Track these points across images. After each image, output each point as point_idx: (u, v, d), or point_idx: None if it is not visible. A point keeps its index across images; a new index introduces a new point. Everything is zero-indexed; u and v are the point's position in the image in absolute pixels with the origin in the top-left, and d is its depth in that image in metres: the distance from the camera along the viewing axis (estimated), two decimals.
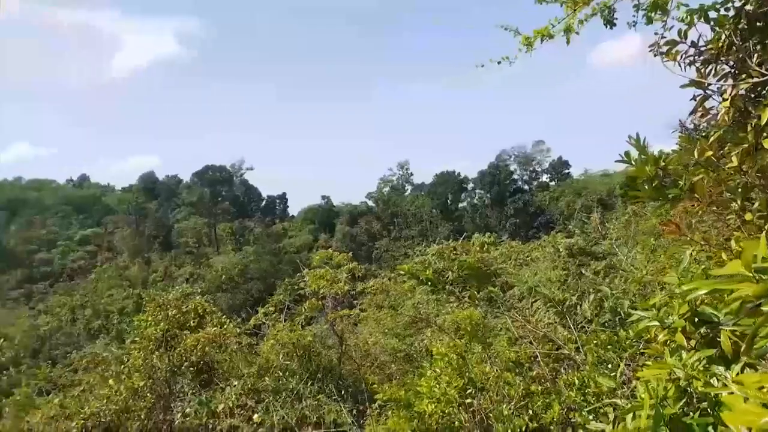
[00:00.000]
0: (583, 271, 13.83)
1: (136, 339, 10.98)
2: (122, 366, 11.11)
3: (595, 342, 5.91)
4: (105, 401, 10.23)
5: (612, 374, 4.67)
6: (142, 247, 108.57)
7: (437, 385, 5.69)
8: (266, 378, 10.54)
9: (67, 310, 79.90)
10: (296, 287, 15.80)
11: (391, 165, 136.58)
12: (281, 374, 10.83)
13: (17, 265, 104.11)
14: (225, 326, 10.92)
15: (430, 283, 8.34)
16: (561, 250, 14.90)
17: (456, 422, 5.75)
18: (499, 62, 5.33)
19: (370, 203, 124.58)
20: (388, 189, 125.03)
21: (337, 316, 12.16)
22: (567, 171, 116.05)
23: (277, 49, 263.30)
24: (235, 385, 9.88)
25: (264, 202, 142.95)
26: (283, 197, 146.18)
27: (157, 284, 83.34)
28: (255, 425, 8.87)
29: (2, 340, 17.96)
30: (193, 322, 11.03)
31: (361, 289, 13.83)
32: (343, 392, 11.09)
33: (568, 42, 5.37)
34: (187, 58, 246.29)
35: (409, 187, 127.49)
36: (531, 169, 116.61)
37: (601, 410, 4.88)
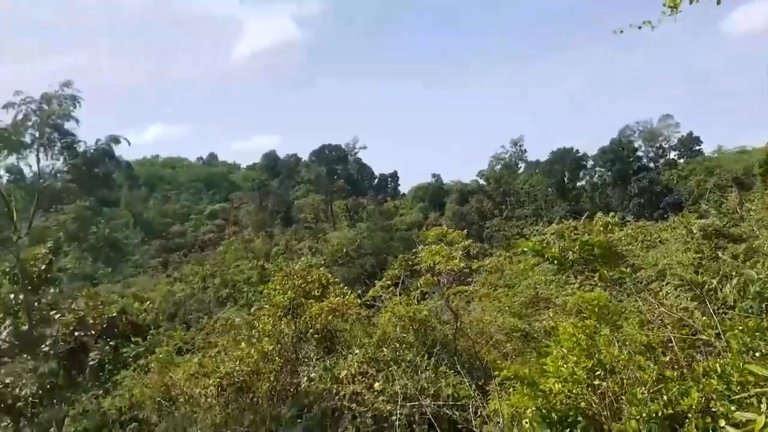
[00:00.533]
0: (720, 255, 12.78)
1: (265, 306, 11.70)
2: (253, 330, 11.91)
3: (740, 328, 5.48)
4: (238, 362, 11.03)
5: (763, 363, 4.32)
6: (265, 222, 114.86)
7: (564, 365, 5.56)
8: (384, 349, 10.84)
9: (198, 278, 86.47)
10: (410, 263, 16.01)
11: (503, 142, 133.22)
12: (398, 346, 11.08)
13: (156, 236, 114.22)
14: (347, 297, 11.34)
15: (555, 261, 8.09)
16: (695, 231, 13.80)
17: (582, 403, 5.60)
18: (639, 27, 5.02)
19: (481, 181, 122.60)
20: (500, 167, 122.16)
21: (454, 293, 12.19)
22: (698, 148, 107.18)
23: (388, 30, 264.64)
24: (356, 354, 10.25)
25: (376, 180, 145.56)
26: (394, 175, 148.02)
27: (279, 257, 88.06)
28: (376, 393, 9.17)
29: (147, 303, 19.81)
30: (317, 291, 11.56)
31: (476, 266, 13.72)
32: (458, 367, 11.15)
33: (718, 2, 4.97)
34: (305, 41, 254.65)
35: (522, 165, 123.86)
36: (657, 145, 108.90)
37: (747, 400, 4.54)
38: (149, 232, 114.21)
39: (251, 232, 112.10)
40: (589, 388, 5.49)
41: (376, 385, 9.26)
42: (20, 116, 9.07)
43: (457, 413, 9.01)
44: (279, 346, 10.95)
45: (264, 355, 10.94)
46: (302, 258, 12.54)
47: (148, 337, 15.23)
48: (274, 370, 10.74)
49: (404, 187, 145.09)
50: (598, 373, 5.54)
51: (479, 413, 7.44)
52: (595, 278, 8.79)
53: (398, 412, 8.46)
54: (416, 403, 9.02)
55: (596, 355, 5.61)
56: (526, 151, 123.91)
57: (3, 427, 14.96)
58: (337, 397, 9.55)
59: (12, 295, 12.54)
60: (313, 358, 10.94)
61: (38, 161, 9.51)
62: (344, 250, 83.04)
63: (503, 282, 16.53)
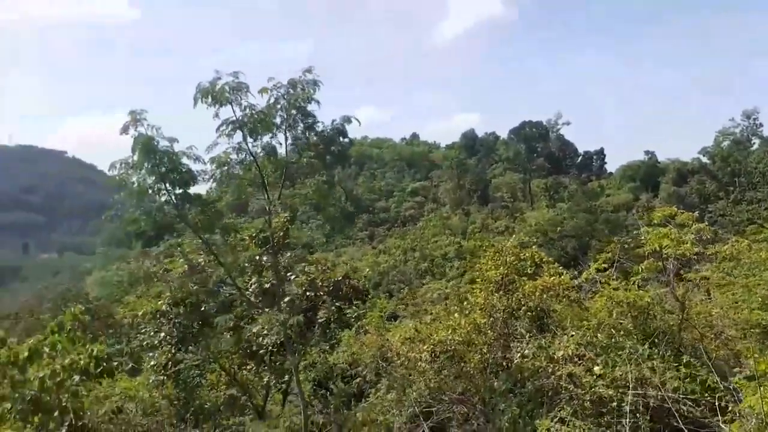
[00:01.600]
0: None
1: (477, 279, 11.95)
2: (464, 303, 12.28)
3: None
4: (450, 332, 11.49)
5: None
6: (462, 200, 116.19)
7: None
8: (599, 334, 10.43)
9: (400, 251, 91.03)
10: (626, 245, 15.03)
11: (732, 116, 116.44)
12: (614, 332, 10.58)
13: (363, 210, 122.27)
14: (562, 277, 11.10)
15: None
16: None
17: None
18: None
19: (704, 159, 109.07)
20: (729, 143, 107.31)
21: (683, 280, 11.23)
22: None
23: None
24: (572, 335, 10.02)
25: (580, 158, 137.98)
26: (600, 153, 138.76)
27: (475, 235, 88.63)
28: (595, 377, 8.90)
29: (367, 270, 21.41)
30: (530, 269, 11.48)
31: (711, 252, 12.40)
32: (684, 360, 10.31)
33: None
34: (509, 18, 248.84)
35: (756, 141, 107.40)
36: None
37: None
38: (358, 206, 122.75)
39: (449, 210, 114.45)
40: None
41: (596, 368, 8.97)
42: (272, 100, 10.41)
43: (685, 407, 8.39)
44: (491, 319, 11.13)
45: (476, 327, 11.22)
46: (513, 236, 12.50)
47: (367, 302, 16.55)
48: (486, 342, 10.97)
49: (611, 166, 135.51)
50: None
51: (729, 409, 6.83)
52: None
53: (623, 399, 8.13)
54: (639, 392, 8.57)
55: None
56: (761, 125, 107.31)
57: (248, 370, 17.54)
58: (553, 376, 9.46)
59: (257, 257, 14.32)
60: (526, 335, 10.93)
61: (286, 140, 10.85)
62: (542, 230, 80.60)
63: (739, 272, 14.72)
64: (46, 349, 12.42)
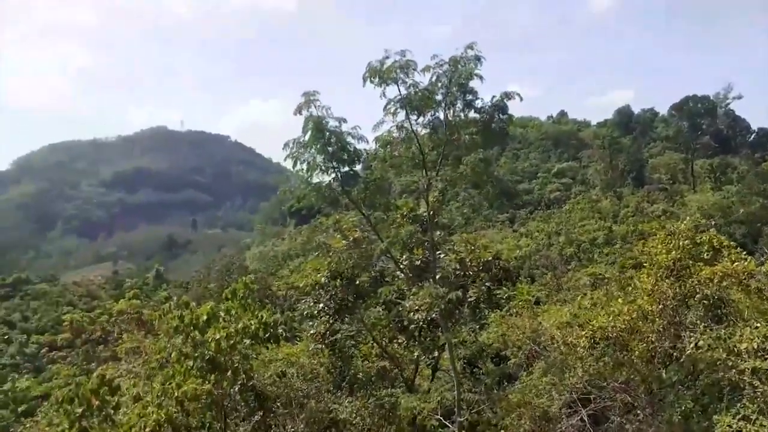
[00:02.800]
0: None
1: (645, 264, 11.22)
2: (628, 288, 11.60)
3: None
4: (612, 318, 10.92)
5: None
6: (614, 182, 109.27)
7: None
8: None
9: (543, 235, 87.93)
10: None
11: None
12: None
13: (505, 192, 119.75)
14: (746, 263, 10.04)
15: None
16: None
17: None
18: None
19: None
20: None
21: None
22: None
23: None
24: (756, 327, 9.08)
25: (752, 136, 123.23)
26: None
27: (628, 219, 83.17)
28: None
29: (517, 251, 21.06)
30: (707, 254, 10.54)
31: None
32: None
33: None
34: None
35: None
36: None
37: None
38: (500, 188, 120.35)
39: (599, 192, 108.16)
40: None
41: None
42: (434, 78, 10.49)
43: None
44: (660, 307, 10.41)
45: (642, 315, 10.58)
46: (688, 217, 11.54)
47: (517, 284, 16.26)
48: (654, 330, 10.31)
49: None
50: None
51: None
52: None
53: None
54: None
55: None
56: None
57: (398, 344, 18.10)
58: (734, 370, 8.66)
59: (408, 234, 14.59)
60: (700, 325, 10.08)
61: (446, 117, 10.88)
62: (707, 216, 73.30)
63: None
64: (222, 314, 13.76)
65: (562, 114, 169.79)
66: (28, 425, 16.23)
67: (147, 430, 9.96)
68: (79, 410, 10.25)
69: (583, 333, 11.53)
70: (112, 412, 10.43)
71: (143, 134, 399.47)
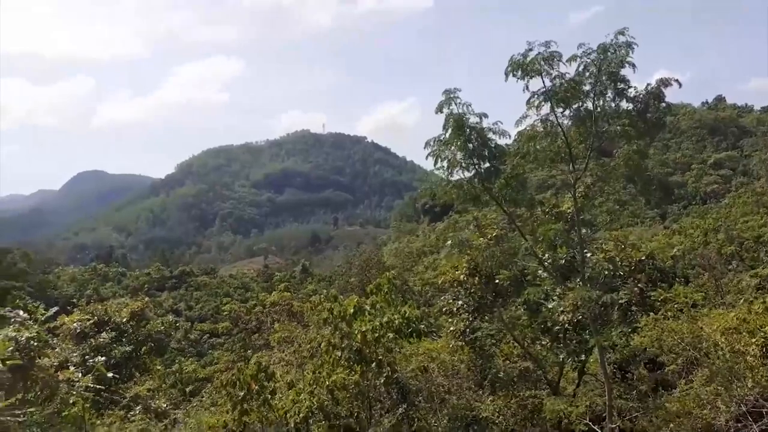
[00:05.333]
0: None
1: None
2: None
3: None
4: None
5: None
6: None
7: None
8: None
9: (699, 232, 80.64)
10: None
11: None
12: None
13: (662, 186, 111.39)
14: None
15: None
16: None
17: None
18: None
19: None
20: None
21: None
22: None
23: None
24: None
25: None
26: None
27: None
28: None
29: (675, 249, 19.56)
30: None
31: None
32: None
33: None
34: None
35: None
36: None
37: None
38: (647, 182, 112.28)
39: (765, 184, 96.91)
40: None
41: None
42: (581, 67, 10.01)
43: None
44: None
45: None
46: None
47: (674, 285, 15.05)
48: None
49: None
50: None
51: None
52: None
53: None
54: None
55: None
56: None
57: (543, 346, 17.54)
58: None
59: (556, 233, 14.07)
60: None
61: (594, 108, 10.34)
62: None
63: None
64: (367, 307, 14.24)
65: (719, 99, 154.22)
66: (194, 404, 17.91)
67: (300, 415, 10.60)
68: (241, 393, 11.16)
69: (754, 340, 10.47)
70: (269, 396, 11.24)
71: (289, 138, 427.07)
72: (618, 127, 9.77)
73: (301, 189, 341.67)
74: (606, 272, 14.65)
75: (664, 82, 9.77)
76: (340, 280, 60.15)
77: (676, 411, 11.14)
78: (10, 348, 9.08)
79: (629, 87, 9.88)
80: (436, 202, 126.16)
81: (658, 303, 14.04)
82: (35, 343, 9.38)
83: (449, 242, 12.89)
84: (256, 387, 11.16)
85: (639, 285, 14.61)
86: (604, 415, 13.10)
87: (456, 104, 10.41)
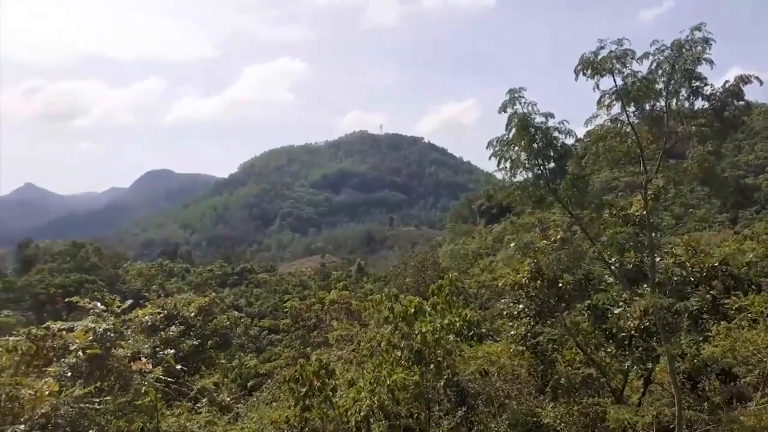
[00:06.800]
0: None
1: None
2: None
3: None
4: None
5: None
6: None
7: None
8: None
9: None
10: None
11: None
12: None
13: (741, 190, 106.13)
14: None
15: None
16: None
17: None
18: None
19: None
20: None
21: None
22: None
23: None
24: None
25: None
26: None
27: None
28: None
29: (750, 254, 18.67)
30: None
31: None
32: None
33: None
34: None
35: None
36: None
37: None
38: (723, 184, 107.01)
39: None
40: None
41: None
42: (654, 65, 9.64)
43: None
44: None
45: None
46: None
47: (749, 293, 14.31)
48: None
49: None
50: None
51: None
52: None
53: None
54: None
55: None
56: None
57: (607, 353, 17.01)
58: None
59: (627, 236, 13.57)
60: None
61: (667, 107, 9.95)
62: None
63: None
64: (428, 308, 14.21)
65: None
66: (255, 398, 18.33)
67: (361, 414, 10.70)
68: (303, 390, 11.37)
69: None
70: (331, 394, 11.40)
71: (346, 139, 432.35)
72: (693, 127, 9.36)
73: (357, 189, 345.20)
74: (676, 278, 14.10)
75: (744, 79, 9.28)
76: (396, 280, 60.23)
77: (752, 426, 10.60)
78: (89, 338, 9.59)
79: (705, 85, 9.45)
80: (492, 204, 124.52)
81: (732, 311, 13.40)
82: (111, 334, 9.86)
83: (513, 245, 12.65)
84: (318, 384, 11.34)
85: (712, 292, 13.96)
86: (671, 426, 12.60)
87: (521, 104, 10.25)
